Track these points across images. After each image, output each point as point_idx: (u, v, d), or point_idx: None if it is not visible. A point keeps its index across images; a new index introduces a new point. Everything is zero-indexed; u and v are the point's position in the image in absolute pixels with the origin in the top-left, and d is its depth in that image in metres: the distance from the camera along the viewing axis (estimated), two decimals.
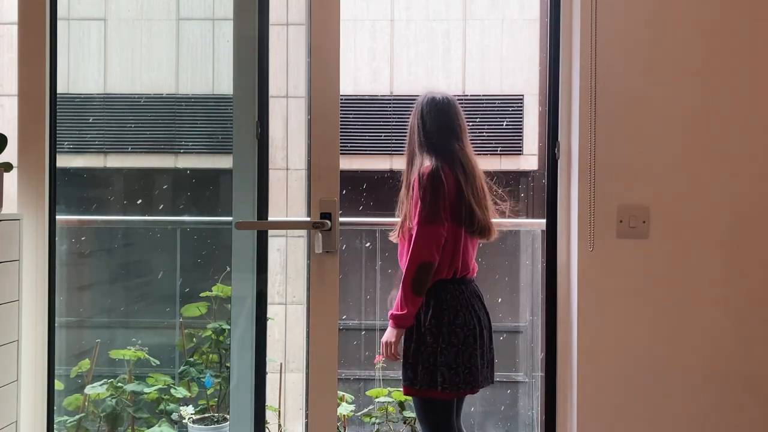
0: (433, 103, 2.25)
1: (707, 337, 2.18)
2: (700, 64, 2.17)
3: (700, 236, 2.17)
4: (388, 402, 3.10)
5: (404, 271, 2.14)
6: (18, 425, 2.20)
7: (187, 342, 3.01)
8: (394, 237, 2.30)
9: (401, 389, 3.07)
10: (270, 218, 2.58)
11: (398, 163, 4.37)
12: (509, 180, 4.22)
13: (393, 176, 4.36)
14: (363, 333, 4.43)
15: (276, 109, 3.98)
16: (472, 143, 2.32)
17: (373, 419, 3.13)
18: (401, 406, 3.10)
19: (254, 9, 2.26)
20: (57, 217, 2.36)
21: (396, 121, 4.32)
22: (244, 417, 2.33)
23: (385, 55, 4.53)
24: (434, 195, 2.12)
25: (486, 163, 2.36)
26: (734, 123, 2.17)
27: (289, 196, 4.04)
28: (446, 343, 2.13)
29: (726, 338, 2.18)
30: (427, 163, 2.21)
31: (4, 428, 2.13)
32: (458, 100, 2.32)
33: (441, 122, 2.24)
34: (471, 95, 4.36)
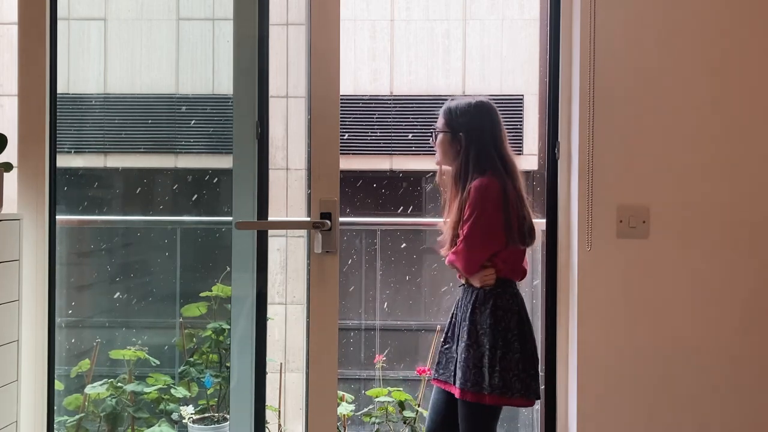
0: None
1: (707, 337, 2.18)
2: (701, 63, 2.17)
3: (700, 236, 2.17)
4: (388, 402, 3.10)
5: None
6: (18, 425, 2.20)
7: (187, 342, 3.01)
8: None
9: (400, 389, 3.09)
10: (270, 218, 2.58)
11: (398, 163, 4.38)
12: None
13: (394, 176, 4.36)
14: (363, 333, 4.43)
15: (276, 109, 3.98)
16: None
17: (373, 419, 3.13)
18: (401, 406, 3.10)
19: (254, 9, 2.26)
20: (57, 217, 2.36)
21: (396, 121, 4.32)
22: (244, 417, 2.33)
23: (385, 55, 4.54)
24: None
25: None
26: (734, 123, 2.17)
27: (289, 196, 4.04)
28: (533, 349, 2.16)
29: (726, 338, 2.18)
30: None
31: (4, 428, 2.13)
32: None
33: None
34: (471, 95, 4.36)
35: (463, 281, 2.24)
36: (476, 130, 2.20)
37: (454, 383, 2.16)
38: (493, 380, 2.09)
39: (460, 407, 2.16)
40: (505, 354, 2.10)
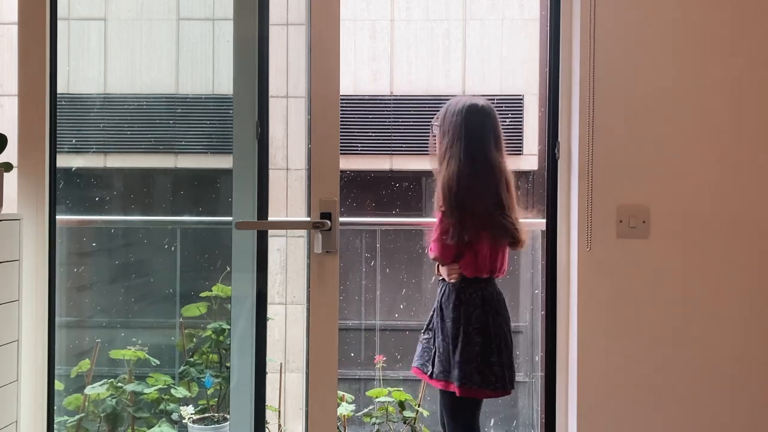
0: None
1: (707, 337, 2.18)
2: (700, 63, 2.17)
3: (700, 236, 2.17)
4: (388, 402, 3.10)
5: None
6: (18, 425, 2.20)
7: (187, 342, 3.01)
8: None
9: (400, 389, 3.10)
10: (270, 218, 2.58)
11: (398, 163, 4.38)
12: None
13: (394, 176, 4.36)
14: (363, 333, 4.43)
15: (276, 109, 3.98)
16: None
17: (373, 419, 3.13)
18: (401, 406, 3.10)
19: (254, 9, 2.26)
20: (57, 217, 2.36)
21: (396, 121, 4.32)
22: (244, 417, 2.33)
23: (385, 56, 4.53)
24: None
25: None
26: (734, 122, 2.17)
27: (289, 196, 4.04)
28: (497, 342, 2.20)
29: (726, 338, 2.18)
30: None
31: (4, 428, 2.13)
32: None
33: None
34: (471, 95, 4.36)
35: (439, 276, 2.33)
36: (458, 132, 2.25)
37: (430, 373, 2.28)
38: (454, 371, 2.19)
39: (440, 396, 2.30)
40: (465, 346, 2.19)
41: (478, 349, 2.18)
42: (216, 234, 3.22)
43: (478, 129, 2.25)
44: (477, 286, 2.24)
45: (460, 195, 2.18)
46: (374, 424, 3.13)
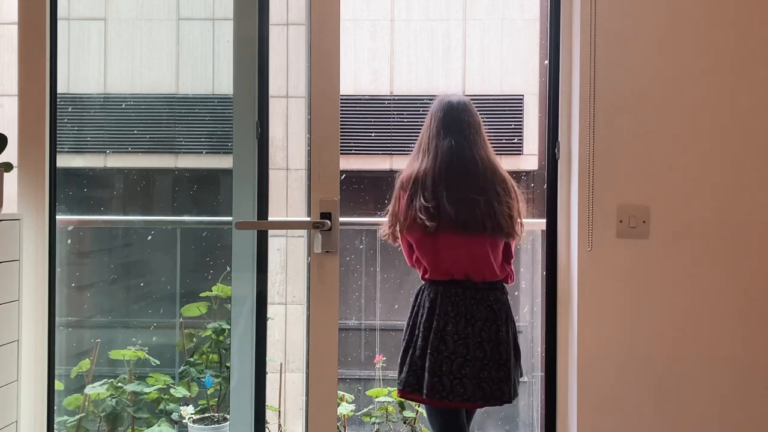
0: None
1: (707, 337, 2.18)
2: (701, 63, 2.17)
3: (701, 236, 2.17)
4: (388, 402, 3.10)
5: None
6: (18, 425, 2.20)
7: (187, 342, 3.01)
8: None
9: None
10: (270, 218, 2.58)
11: (398, 163, 4.38)
12: None
13: (394, 176, 4.36)
14: (363, 333, 4.43)
15: (276, 109, 3.98)
16: None
17: (373, 419, 3.13)
18: (401, 406, 3.10)
19: (254, 9, 2.26)
20: (57, 217, 2.36)
21: (396, 121, 4.31)
22: (244, 417, 2.33)
23: (385, 55, 4.53)
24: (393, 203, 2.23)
25: None
26: (734, 123, 2.17)
27: (289, 196, 4.04)
28: (434, 349, 2.09)
29: (726, 338, 2.18)
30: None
31: (4, 428, 2.13)
32: None
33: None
34: (471, 95, 4.35)
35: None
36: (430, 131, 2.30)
37: None
38: (400, 373, 2.17)
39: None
40: (406, 348, 2.17)
41: (419, 353, 2.12)
42: (216, 234, 3.22)
43: (435, 122, 2.25)
44: (436, 288, 2.16)
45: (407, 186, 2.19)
46: (374, 423, 3.13)
